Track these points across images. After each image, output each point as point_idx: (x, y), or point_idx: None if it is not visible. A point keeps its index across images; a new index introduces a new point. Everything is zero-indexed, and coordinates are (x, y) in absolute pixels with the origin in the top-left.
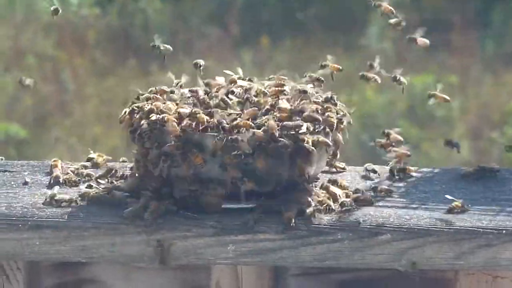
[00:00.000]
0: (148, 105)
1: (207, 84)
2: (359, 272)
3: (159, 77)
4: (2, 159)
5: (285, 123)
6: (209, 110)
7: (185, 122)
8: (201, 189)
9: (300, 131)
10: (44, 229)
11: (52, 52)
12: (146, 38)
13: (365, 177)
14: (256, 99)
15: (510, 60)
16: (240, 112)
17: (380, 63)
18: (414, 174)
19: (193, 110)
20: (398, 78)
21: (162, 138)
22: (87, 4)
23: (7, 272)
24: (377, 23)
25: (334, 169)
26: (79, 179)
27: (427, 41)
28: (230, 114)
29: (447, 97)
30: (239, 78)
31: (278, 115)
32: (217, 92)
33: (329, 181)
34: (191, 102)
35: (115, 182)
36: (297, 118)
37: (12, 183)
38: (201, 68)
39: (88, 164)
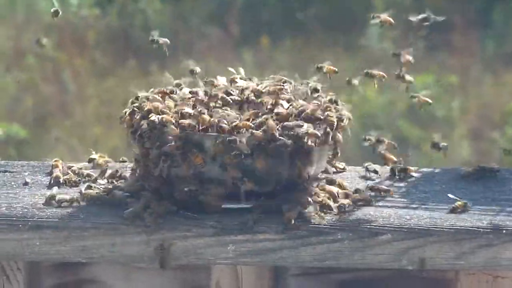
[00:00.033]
0: (147, 105)
1: (207, 83)
2: (359, 272)
3: (159, 77)
4: None
5: (285, 123)
6: (209, 110)
7: (186, 122)
8: (201, 189)
9: (300, 131)
10: (45, 229)
11: (52, 52)
12: (146, 39)
13: (365, 177)
14: (257, 99)
15: (510, 60)
16: (239, 113)
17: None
18: (414, 174)
19: (197, 110)
20: (402, 75)
21: (162, 138)
22: (87, 4)
23: (7, 273)
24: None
25: (334, 169)
26: (79, 180)
27: (411, 58)
28: (229, 115)
29: (429, 100)
30: (240, 78)
31: (276, 116)
32: (216, 92)
33: (329, 181)
34: (191, 102)
35: (116, 183)
36: (297, 118)
37: (13, 183)
38: (196, 74)
39: (88, 164)
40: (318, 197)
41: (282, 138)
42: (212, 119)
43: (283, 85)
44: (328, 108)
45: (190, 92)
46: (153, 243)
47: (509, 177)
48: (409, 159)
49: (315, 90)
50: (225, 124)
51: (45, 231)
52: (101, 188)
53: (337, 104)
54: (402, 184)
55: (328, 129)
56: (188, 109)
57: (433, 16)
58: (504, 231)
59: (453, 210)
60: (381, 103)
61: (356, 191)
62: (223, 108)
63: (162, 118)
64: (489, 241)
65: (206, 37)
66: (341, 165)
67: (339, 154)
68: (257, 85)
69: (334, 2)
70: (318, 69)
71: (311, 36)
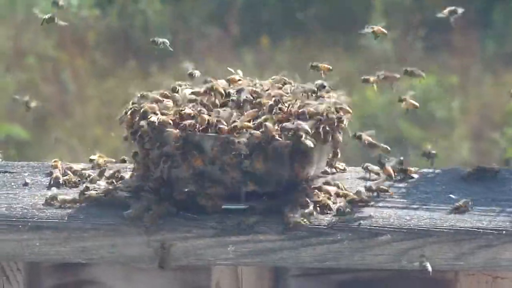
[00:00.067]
0: (145, 106)
1: (207, 83)
2: (359, 272)
3: (159, 78)
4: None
5: (284, 124)
6: (209, 110)
7: (187, 122)
8: (201, 189)
9: (300, 132)
10: (44, 230)
11: (52, 52)
12: (146, 40)
13: (365, 178)
14: (257, 99)
15: (510, 60)
16: (240, 113)
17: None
18: (414, 175)
19: (196, 110)
20: (411, 71)
21: (162, 139)
22: (87, 5)
23: (7, 273)
24: (377, 23)
25: (334, 170)
26: (79, 180)
27: (397, 76)
28: (230, 115)
29: (416, 104)
30: (238, 80)
31: (276, 116)
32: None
33: (329, 182)
34: (193, 103)
35: (116, 183)
36: (297, 119)
37: (13, 184)
38: (195, 77)
39: (88, 165)
40: (318, 197)
41: (280, 139)
42: (211, 119)
43: (282, 86)
44: (328, 108)
45: (192, 93)
46: (153, 244)
47: (509, 178)
48: (409, 160)
49: (322, 86)
50: (224, 125)
51: (45, 232)
52: (101, 189)
53: (329, 92)
54: (402, 185)
55: (328, 128)
56: (188, 110)
57: (459, 9)
58: (504, 231)
59: (456, 210)
60: (381, 103)
61: (356, 192)
62: (223, 109)
63: (161, 119)
64: (488, 242)
65: (206, 37)
66: (341, 165)
67: (339, 155)
68: (255, 85)
69: (334, 2)
70: (313, 67)
71: (311, 36)
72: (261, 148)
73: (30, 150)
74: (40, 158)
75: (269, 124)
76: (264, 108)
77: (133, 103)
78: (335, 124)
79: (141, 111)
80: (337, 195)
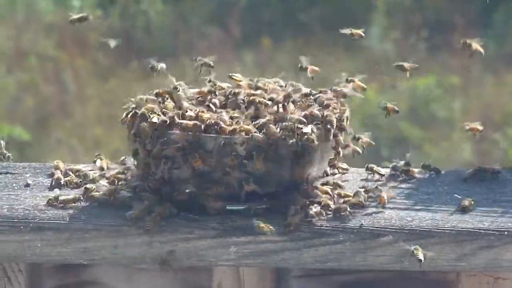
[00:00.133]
0: (144, 107)
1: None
2: (361, 273)
3: (161, 79)
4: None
5: (284, 124)
6: (210, 111)
7: (191, 123)
8: (203, 190)
9: (304, 131)
10: (46, 231)
11: (52, 52)
12: (148, 40)
13: (367, 179)
14: (256, 100)
15: (511, 60)
16: (240, 113)
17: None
18: (417, 175)
19: (196, 110)
20: (469, 43)
21: (164, 139)
22: (89, 6)
23: (9, 274)
24: (378, 23)
25: (336, 170)
26: (80, 181)
27: (364, 85)
28: (232, 117)
29: (397, 108)
30: (239, 80)
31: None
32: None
33: (329, 182)
34: (195, 102)
35: (117, 184)
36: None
37: (14, 185)
38: (157, 70)
39: (90, 165)
40: (319, 198)
41: (285, 140)
42: (211, 119)
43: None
44: (328, 108)
45: (196, 93)
46: (155, 245)
47: (511, 179)
48: (410, 160)
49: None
50: (225, 125)
51: (46, 233)
52: (103, 190)
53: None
54: (404, 186)
55: (329, 126)
56: (190, 112)
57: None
58: (505, 232)
59: (463, 209)
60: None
61: (356, 193)
62: (226, 110)
63: (162, 119)
64: (490, 243)
65: (207, 38)
66: (344, 165)
67: (341, 155)
68: (255, 85)
69: (335, 3)
70: (301, 69)
71: (312, 36)
72: (262, 149)
73: (31, 151)
74: (41, 159)
75: (271, 127)
76: (264, 108)
77: (133, 105)
78: (335, 123)
79: (140, 113)
80: (338, 196)
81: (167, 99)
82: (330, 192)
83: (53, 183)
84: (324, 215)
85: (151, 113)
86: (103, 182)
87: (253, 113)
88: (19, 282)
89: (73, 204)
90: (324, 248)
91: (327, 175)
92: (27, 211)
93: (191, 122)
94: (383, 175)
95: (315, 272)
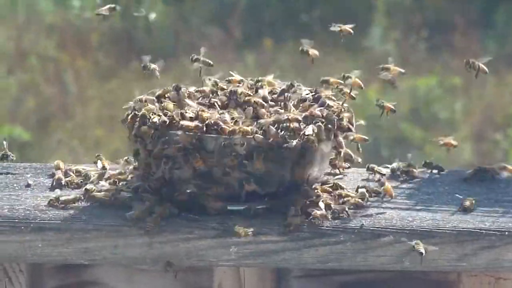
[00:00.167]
0: (144, 108)
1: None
2: (362, 274)
3: (161, 79)
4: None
5: (284, 124)
6: (211, 111)
7: (192, 124)
8: (203, 190)
9: (307, 133)
10: (47, 231)
11: (53, 53)
12: (149, 40)
13: (368, 179)
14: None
15: None
16: (241, 113)
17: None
18: (418, 175)
19: (195, 110)
20: (473, 62)
21: (164, 139)
22: (90, 6)
23: (10, 275)
24: (380, 24)
25: (338, 170)
26: (81, 181)
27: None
28: (232, 117)
29: (394, 108)
30: (239, 80)
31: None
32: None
33: (329, 182)
34: (196, 102)
35: (118, 184)
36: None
37: (15, 185)
38: (149, 70)
39: (91, 166)
40: (319, 198)
41: (283, 141)
42: (211, 119)
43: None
44: (328, 108)
45: (197, 91)
46: (156, 245)
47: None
48: (411, 161)
49: (325, 81)
50: (226, 125)
51: (47, 233)
52: (103, 190)
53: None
54: (405, 186)
55: (330, 126)
56: (190, 113)
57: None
58: (506, 232)
59: (464, 209)
60: None
61: (357, 193)
62: (227, 110)
63: (165, 120)
64: (491, 243)
65: (209, 39)
66: (345, 164)
67: (342, 154)
68: (255, 85)
69: (335, 3)
70: (302, 52)
71: (314, 37)
72: (262, 149)
73: (32, 151)
74: (42, 159)
75: (271, 127)
76: (260, 109)
77: (132, 106)
78: (337, 124)
79: (140, 114)
80: (339, 196)
81: (167, 99)
82: (331, 192)
83: (54, 183)
84: (330, 219)
85: (151, 114)
86: (104, 182)
87: (254, 114)
88: (20, 282)
89: (74, 205)
90: (325, 248)
91: (330, 175)
92: (28, 211)
93: (193, 124)
94: (384, 175)
95: (315, 272)
